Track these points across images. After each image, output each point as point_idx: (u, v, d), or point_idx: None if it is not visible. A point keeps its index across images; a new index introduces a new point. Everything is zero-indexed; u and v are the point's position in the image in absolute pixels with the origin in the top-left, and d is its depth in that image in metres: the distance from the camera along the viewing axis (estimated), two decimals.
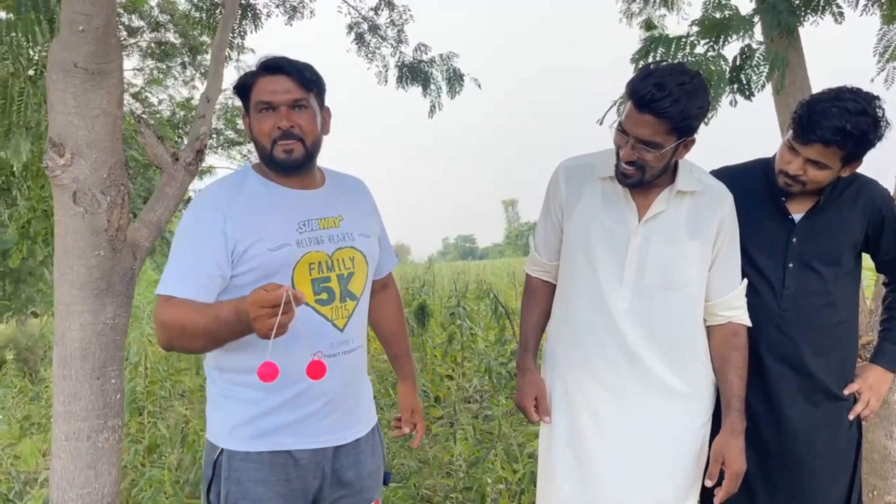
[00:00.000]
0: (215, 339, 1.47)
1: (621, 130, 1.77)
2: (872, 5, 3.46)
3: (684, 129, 1.72)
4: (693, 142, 1.79)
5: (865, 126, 1.77)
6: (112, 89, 1.84)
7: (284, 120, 1.60)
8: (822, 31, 3.29)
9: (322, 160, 1.77)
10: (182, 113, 9.43)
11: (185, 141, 2.36)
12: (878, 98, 1.82)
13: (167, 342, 1.52)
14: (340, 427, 1.69)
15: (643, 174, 1.78)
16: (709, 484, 1.83)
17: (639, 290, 1.84)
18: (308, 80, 1.64)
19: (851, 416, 1.94)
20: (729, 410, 1.86)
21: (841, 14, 3.24)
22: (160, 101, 9.89)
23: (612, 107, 3.29)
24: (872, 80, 3.72)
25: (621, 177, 1.82)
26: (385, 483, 1.85)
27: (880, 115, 1.79)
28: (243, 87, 1.65)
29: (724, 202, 1.89)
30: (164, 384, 5.41)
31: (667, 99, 1.64)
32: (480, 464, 3.66)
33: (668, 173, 1.86)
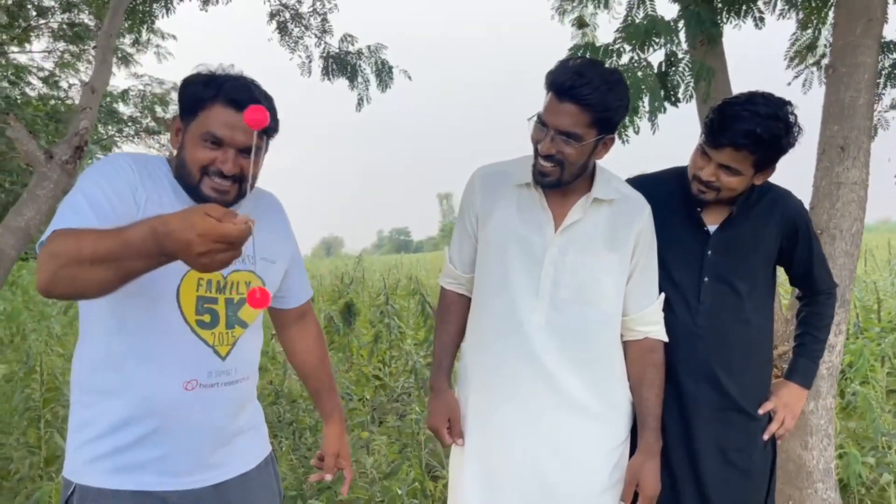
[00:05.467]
0: (118, 266, 1.15)
1: (541, 123, 1.71)
2: (790, 10, 3.49)
3: (604, 122, 1.67)
4: (612, 141, 1.75)
5: (777, 130, 1.73)
6: None
7: (230, 164, 1.41)
8: (744, 37, 3.30)
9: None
10: None
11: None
12: (790, 103, 1.78)
13: (50, 275, 1.19)
14: (221, 461, 1.51)
15: (562, 172, 1.71)
16: None
17: (555, 303, 1.76)
18: (269, 126, 1.46)
19: (766, 436, 1.89)
20: (644, 430, 1.80)
21: (762, 19, 3.25)
22: (70, 87, 9.34)
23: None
24: (790, 84, 3.78)
25: (539, 176, 1.74)
26: None
27: (792, 120, 1.76)
28: (193, 101, 1.43)
29: (642, 213, 1.83)
30: (64, 391, 5.05)
31: (587, 86, 1.61)
32: (395, 475, 3.53)
33: (586, 179, 1.80)
